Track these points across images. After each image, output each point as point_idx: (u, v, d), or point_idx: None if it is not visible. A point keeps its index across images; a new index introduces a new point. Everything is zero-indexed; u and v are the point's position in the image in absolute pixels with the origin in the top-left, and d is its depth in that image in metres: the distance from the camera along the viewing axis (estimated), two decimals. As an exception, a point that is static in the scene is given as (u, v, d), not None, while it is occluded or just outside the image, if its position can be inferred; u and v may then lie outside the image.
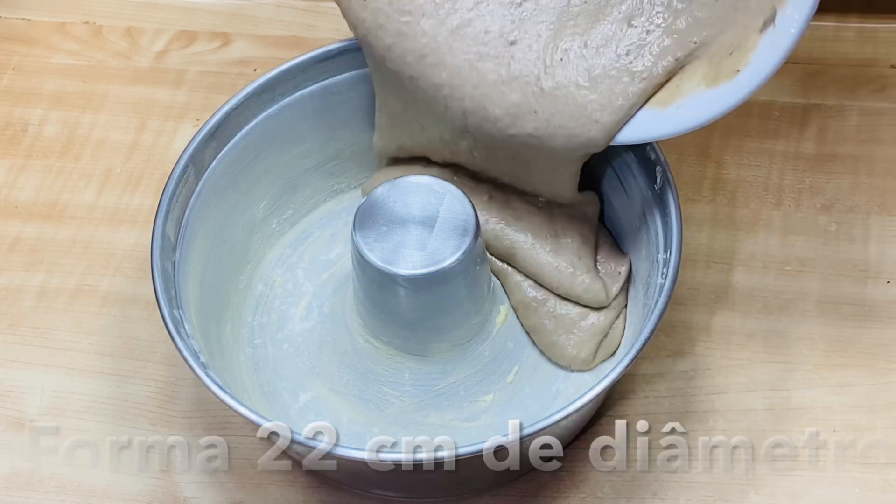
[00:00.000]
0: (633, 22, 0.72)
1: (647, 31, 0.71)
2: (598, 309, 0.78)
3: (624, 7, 0.72)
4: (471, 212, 0.73)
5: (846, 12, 0.95)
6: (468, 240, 0.72)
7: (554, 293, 0.78)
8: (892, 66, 0.92)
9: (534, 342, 0.79)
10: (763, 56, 0.66)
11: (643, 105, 0.71)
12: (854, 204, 0.85)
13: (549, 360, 0.78)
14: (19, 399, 0.80)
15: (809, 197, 0.86)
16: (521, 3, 0.74)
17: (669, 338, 0.80)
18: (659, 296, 0.70)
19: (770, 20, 0.66)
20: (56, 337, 0.83)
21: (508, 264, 0.80)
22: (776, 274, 0.83)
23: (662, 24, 0.71)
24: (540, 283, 0.79)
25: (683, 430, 0.77)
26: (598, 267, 0.79)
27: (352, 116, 0.82)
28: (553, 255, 0.78)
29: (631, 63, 0.71)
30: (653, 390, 0.78)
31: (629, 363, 0.68)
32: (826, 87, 0.91)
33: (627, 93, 0.71)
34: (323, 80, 0.81)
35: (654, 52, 0.71)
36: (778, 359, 0.79)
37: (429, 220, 0.73)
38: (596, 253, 0.79)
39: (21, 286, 0.85)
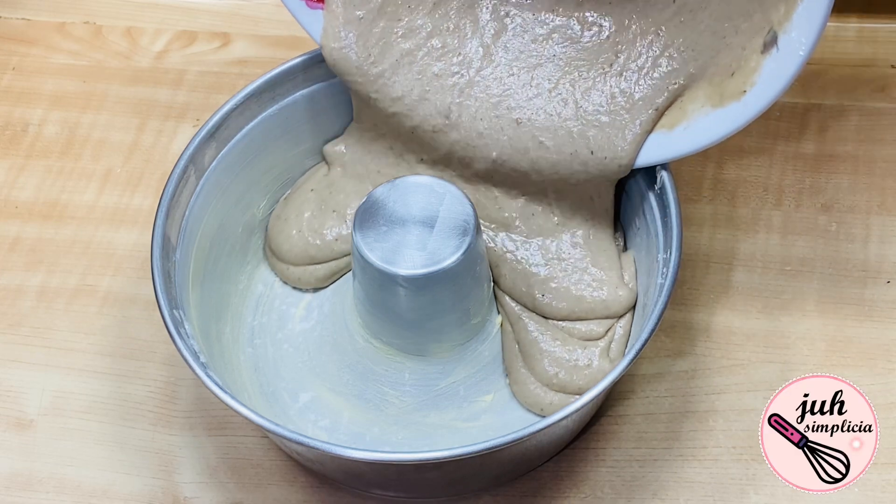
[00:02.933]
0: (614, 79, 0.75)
1: (622, 95, 0.75)
2: None
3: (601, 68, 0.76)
4: (471, 212, 0.73)
5: (846, 12, 0.95)
6: (468, 240, 0.72)
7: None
8: (893, 66, 0.92)
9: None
10: (769, 77, 0.67)
11: (651, 131, 0.73)
12: (854, 204, 0.85)
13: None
14: (19, 399, 0.80)
15: (809, 197, 0.86)
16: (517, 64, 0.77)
17: (669, 338, 0.80)
18: (659, 296, 0.70)
19: (771, 42, 0.67)
20: (56, 337, 0.83)
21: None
22: (776, 274, 0.83)
23: (622, 103, 0.74)
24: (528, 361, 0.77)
25: (682, 429, 0.77)
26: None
27: (352, 116, 0.82)
28: (560, 344, 0.76)
29: (621, 110, 0.74)
30: (653, 390, 0.78)
31: (629, 363, 0.68)
32: (826, 87, 0.91)
33: (633, 127, 0.73)
34: (323, 80, 0.81)
35: (634, 110, 0.74)
36: (778, 359, 0.79)
37: (429, 220, 0.73)
38: (614, 334, 0.77)
39: (21, 286, 0.85)
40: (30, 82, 0.96)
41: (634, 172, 0.76)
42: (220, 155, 0.79)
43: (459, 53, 0.76)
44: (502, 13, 0.77)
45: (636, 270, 0.78)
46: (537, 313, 0.77)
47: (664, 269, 0.72)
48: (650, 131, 0.73)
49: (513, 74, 0.76)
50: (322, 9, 0.77)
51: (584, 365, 0.75)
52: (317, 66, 0.80)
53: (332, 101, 0.81)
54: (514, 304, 0.78)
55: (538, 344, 0.76)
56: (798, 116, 0.90)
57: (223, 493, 0.76)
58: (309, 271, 0.80)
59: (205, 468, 0.77)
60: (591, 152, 0.74)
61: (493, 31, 0.77)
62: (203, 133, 0.77)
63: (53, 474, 0.77)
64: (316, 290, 0.81)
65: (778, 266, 0.83)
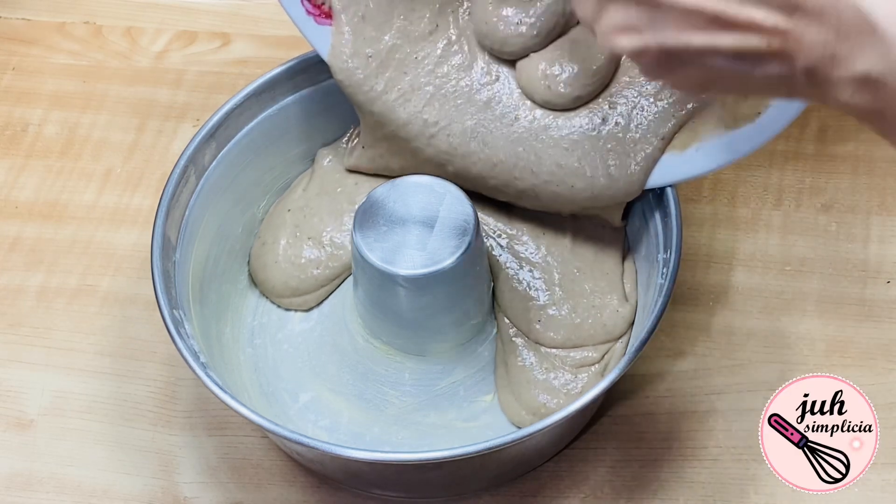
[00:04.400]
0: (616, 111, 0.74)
1: (631, 124, 0.73)
2: None
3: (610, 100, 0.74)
4: (471, 212, 0.73)
5: (846, 12, 0.95)
6: (468, 240, 0.72)
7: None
8: (892, 66, 0.92)
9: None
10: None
11: (658, 158, 0.72)
12: (854, 204, 0.85)
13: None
14: (19, 399, 0.80)
15: (809, 197, 0.86)
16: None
17: (669, 338, 0.80)
18: (659, 296, 0.70)
19: None
20: (56, 337, 0.83)
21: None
22: (776, 274, 0.83)
23: (620, 150, 0.73)
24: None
25: (682, 430, 0.77)
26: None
27: (351, 116, 0.82)
28: (550, 372, 0.75)
29: (622, 155, 0.73)
30: (653, 390, 0.78)
31: (629, 363, 0.68)
32: (826, 87, 0.91)
33: (634, 166, 0.73)
34: (323, 80, 0.80)
35: (644, 134, 0.73)
36: (778, 359, 0.79)
37: (429, 220, 0.73)
38: (612, 355, 0.76)
39: (21, 286, 0.85)
40: (30, 82, 0.96)
41: None
42: (220, 155, 0.79)
43: (448, 134, 0.76)
44: (493, 76, 0.76)
45: (637, 274, 0.78)
46: (531, 339, 0.76)
47: (664, 269, 0.71)
48: (658, 158, 0.72)
49: (500, 159, 0.75)
50: (330, 24, 0.76)
51: (576, 392, 0.75)
52: (317, 66, 0.80)
53: (332, 100, 0.81)
54: (507, 324, 0.77)
55: (528, 372, 0.75)
56: (798, 116, 0.90)
57: (223, 493, 0.76)
58: (296, 302, 0.80)
59: (205, 468, 0.77)
60: (599, 209, 0.75)
61: (485, 99, 0.75)
62: (203, 133, 0.77)
63: (53, 474, 0.77)
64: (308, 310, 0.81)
65: (778, 266, 0.83)
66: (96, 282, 0.85)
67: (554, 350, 0.75)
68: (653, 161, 0.72)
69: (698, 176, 0.72)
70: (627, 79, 0.73)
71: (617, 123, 0.73)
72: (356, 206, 0.78)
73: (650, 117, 0.72)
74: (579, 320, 0.75)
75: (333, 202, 0.80)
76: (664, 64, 0.56)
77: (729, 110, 0.70)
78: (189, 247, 0.76)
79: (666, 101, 0.72)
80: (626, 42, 0.56)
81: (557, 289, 0.76)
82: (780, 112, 0.68)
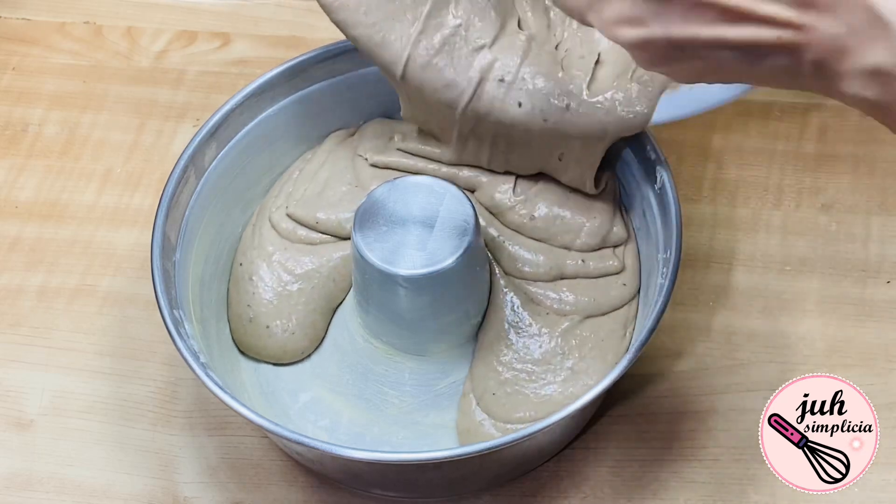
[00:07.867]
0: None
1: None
2: None
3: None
4: (471, 212, 0.73)
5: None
6: (468, 240, 0.72)
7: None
8: (892, 66, 0.92)
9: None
10: None
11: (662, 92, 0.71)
12: (854, 204, 0.85)
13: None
14: (19, 399, 0.80)
15: (809, 197, 0.86)
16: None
17: (669, 338, 0.80)
18: (659, 296, 0.70)
19: None
20: (56, 337, 0.83)
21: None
22: (776, 274, 0.83)
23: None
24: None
25: (684, 430, 0.77)
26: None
27: (352, 116, 0.82)
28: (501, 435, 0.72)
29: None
30: (653, 390, 0.78)
31: (629, 363, 0.68)
32: (826, 87, 0.91)
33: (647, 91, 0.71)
34: (323, 79, 0.81)
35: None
36: (778, 359, 0.79)
37: (429, 220, 0.73)
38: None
39: (21, 286, 0.85)
40: (30, 82, 0.96)
41: (635, 174, 0.76)
42: (220, 155, 0.79)
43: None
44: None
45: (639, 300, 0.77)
46: (481, 407, 0.73)
47: (664, 269, 0.71)
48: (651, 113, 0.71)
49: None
50: None
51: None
52: (317, 66, 0.80)
53: (332, 100, 0.81)
54: (471, 376, 0.75)
55: (482, 432, 0.73)
56: (798, 116, 0.90)
57: (223, 493, 0.76)
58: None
59: (205, 468, 0.77)
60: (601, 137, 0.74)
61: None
62: (203, 133, 0.77)
63: (53, 474, 0.77)
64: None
65: (778, 266, 0.83)
66: (96, 282, 0.85)
67: (506, 423, 0.73)
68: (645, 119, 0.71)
69: (693, 114, 0.71)
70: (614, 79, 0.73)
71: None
72: (297, 274, 0.77)
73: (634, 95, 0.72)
74: (549, 394, 0.73)
75: (272, 275, 0.77)
76: (667, 56, 0.55)
77: None
78: (189, 247, 0.76)
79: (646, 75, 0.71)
80: (631, 34, 0.55)
81: (531, 366, 0.74)
82: None
